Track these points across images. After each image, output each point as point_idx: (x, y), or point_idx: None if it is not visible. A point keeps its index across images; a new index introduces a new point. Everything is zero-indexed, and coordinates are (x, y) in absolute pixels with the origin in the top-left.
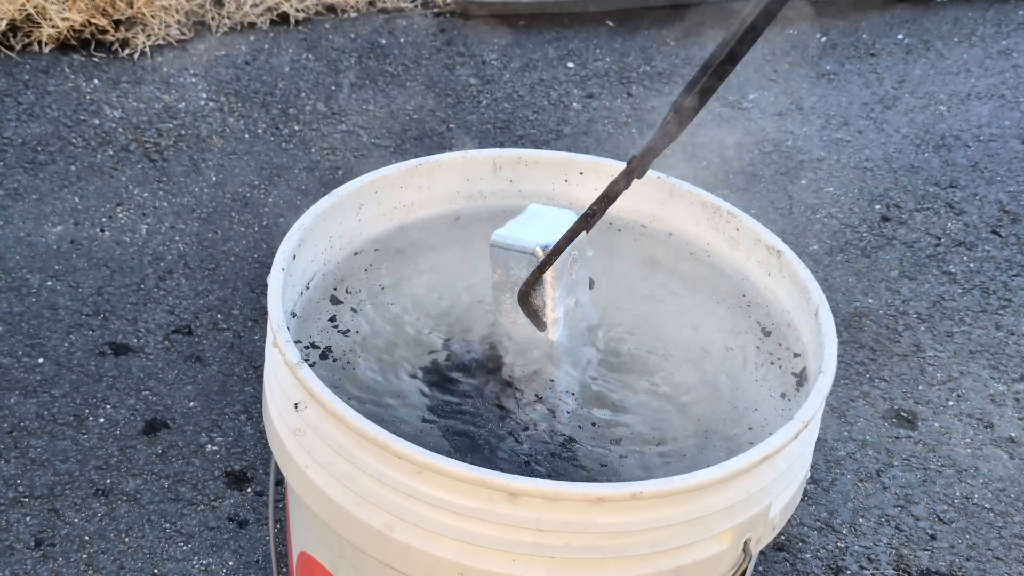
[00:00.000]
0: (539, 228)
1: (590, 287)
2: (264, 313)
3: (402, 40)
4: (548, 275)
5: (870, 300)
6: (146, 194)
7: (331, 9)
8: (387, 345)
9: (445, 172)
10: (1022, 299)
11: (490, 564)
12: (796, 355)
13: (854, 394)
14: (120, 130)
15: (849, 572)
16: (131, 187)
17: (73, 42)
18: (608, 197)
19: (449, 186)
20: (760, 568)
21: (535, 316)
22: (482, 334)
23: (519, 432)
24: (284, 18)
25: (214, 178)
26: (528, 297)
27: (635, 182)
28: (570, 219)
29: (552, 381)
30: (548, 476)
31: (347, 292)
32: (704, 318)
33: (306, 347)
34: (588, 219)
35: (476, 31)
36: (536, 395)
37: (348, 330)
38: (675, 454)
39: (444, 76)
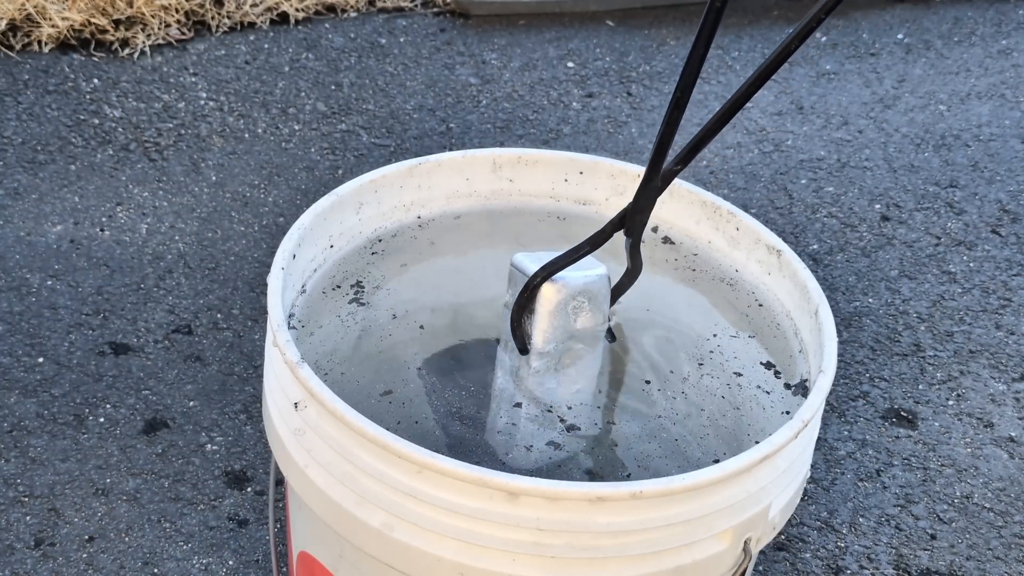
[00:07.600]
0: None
1: (610, 340)
2: (264, 313)
3: (402, 40)
4: (544, 307)
5: (870, 300)
6: (146, 194)
7: (331, 9)
8: (386, 344)
9: (445, 172)
10: (1022, 299)
11: (490, 564)
12: (796, 354)
13: (854, 394)
14: (120, 130)
15: (849, 572)
16: (131, 187)
17: (73, 42)
18: (594, 242)
19: (449, 185)
20: (760, 568)
21: (520, 339)
22: (483, 334)
23: (519, 431)
24: (284, 18)
25: (214, 178)
26: (520, 320)
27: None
28: (601, 273)
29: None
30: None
31: (347, 292)
32: (703, 317)
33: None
34: (575, 253)
35: (476, 31)
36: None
37: (347, 330)
38: (674, 453)
39: (444, 76)
